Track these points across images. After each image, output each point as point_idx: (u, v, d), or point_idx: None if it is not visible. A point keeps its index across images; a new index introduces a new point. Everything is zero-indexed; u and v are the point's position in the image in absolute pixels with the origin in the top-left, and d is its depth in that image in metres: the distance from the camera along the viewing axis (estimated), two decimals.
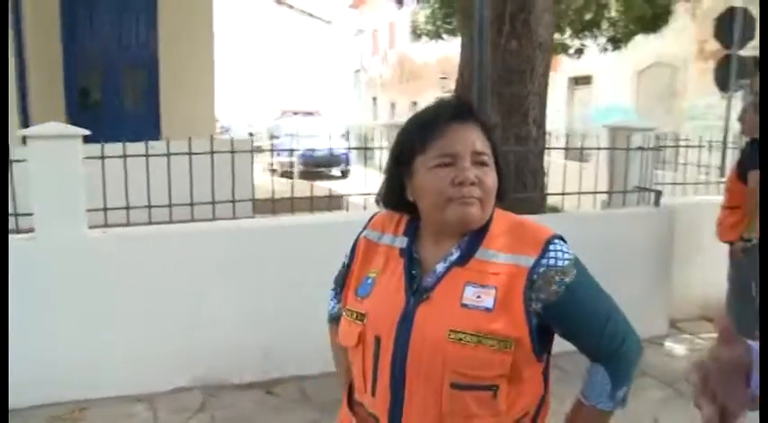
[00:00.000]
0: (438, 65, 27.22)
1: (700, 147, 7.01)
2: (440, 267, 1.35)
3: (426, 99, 30.45)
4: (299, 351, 3.92)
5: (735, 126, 5.09)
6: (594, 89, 17.65)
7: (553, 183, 5.30)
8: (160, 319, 3.85)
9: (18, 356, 2.95)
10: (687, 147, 7.32)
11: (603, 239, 4.52)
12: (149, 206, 4.06)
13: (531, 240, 1.35)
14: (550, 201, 5.51)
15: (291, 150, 8.27)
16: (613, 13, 10.48)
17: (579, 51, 11.33)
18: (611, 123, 5.24)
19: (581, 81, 17.30)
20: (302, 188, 5.53)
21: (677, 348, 4.82)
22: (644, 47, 12.46)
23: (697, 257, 5.21)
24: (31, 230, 3.67)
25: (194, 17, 9.04)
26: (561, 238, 1.38)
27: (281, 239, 4.14)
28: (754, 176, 3.85)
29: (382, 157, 4.88)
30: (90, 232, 3.78)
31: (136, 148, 4.04)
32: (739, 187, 4.01)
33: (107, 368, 3.78)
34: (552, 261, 1.32)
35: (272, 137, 14.28)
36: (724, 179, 7.12)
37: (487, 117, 3.84)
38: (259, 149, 6.75)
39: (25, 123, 7.00)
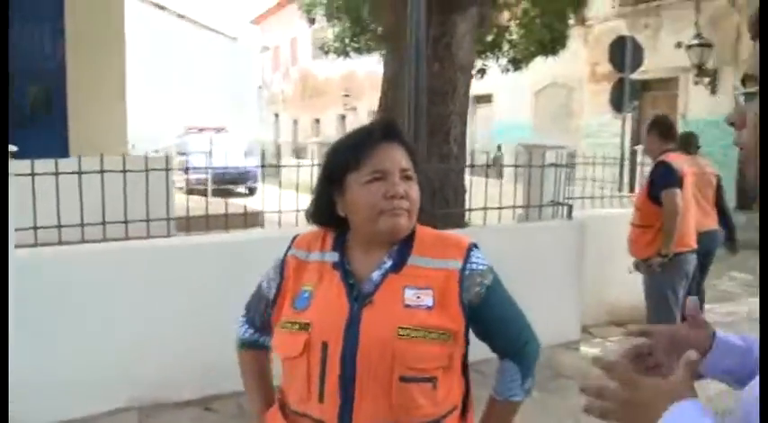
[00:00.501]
0: (341, 82, 27.46)
1: (594, 164, 7.46)
2: (375, 275, 1.47)
3: (329, 116, 30.67)
4: (236, 366, 3.91)
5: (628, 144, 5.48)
6: (495, 107, 18.39)
7: (475, 200, 5.52)
8: (94, 340, 3.76)
9: None
10: (584, 164, 7.79)
11: (521, 251, 4.78)
12: (59, 226, 3.92)
13: (455, 247, 1.52)
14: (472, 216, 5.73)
15: (207, 168, 8.17)
16: (514, 36, 10.98)
17: (482, 71, 11.78)
18: (525, 142, 5.55)
19: (482, 99, 17.96)
20: (217, 206, 5.51)
21: (591, 352, 5.13)
22: (541, 68, 13.10)
23: (605, 266, 5.58)
24: None
25: (104, 26, 8.66)
26: (476, 246, 1.56)
27: (208, 257, 4.12)
28: (668, 196, 4.18)
29: (291, 174, 4.96)
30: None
31: (44, 165, 3.89)
32: (650, 207, 4.33)
33: (40, 393, 3.63)
34: (474, 265, 1.50)
35: (180, 154, 14.01)
36: (623, 194, 7.66)
37: (411, 137, 4.02)
38: (181, 168, 6.65)
39: None
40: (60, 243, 3.97)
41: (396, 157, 1.49)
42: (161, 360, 3.88)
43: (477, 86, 15.50)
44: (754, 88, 0.89)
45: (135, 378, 3.84)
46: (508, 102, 16.96)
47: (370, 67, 23.61)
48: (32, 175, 3.77)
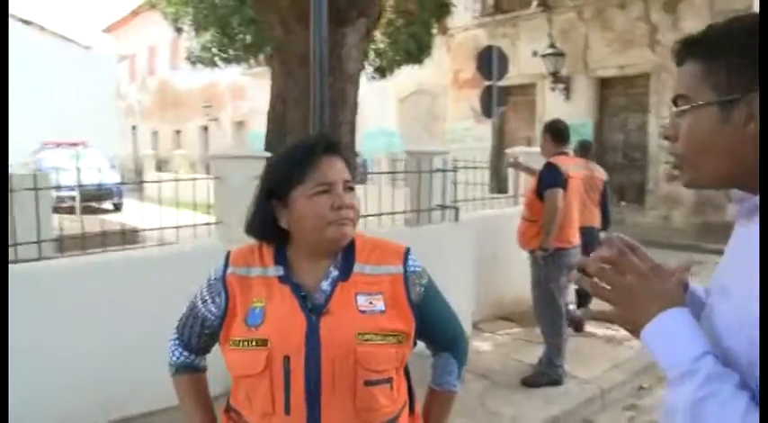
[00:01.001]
0: (202, 92, 26.81)
1: (474, 167, 7.85)
2: (325, 285, 1.52)
3: (191, 127, 29.76)
4: (142, 389, 3.83)
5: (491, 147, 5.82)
6: (361, 115, 18.67)
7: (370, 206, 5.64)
8: None
9: None
10: (465, 168, 8.16)
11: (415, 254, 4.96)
12: None
13: (394, 252, 1.61)
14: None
15: (76, 186, 7.78)
16: (381, 45, 11.27)
17: None
18: (412, 149, 5.76)
19: None
20: (89, 224, 5.29)
21: (483, 346, 5.43)
22: (406, 75, 13.53)
23: (490, 264, 5.92)
24: None
25: None
26: (410, 250, 1.67)
27: (96, 277, 3.97)
28: (550, 194, 4.53)
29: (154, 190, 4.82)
30: None
31: None
32: (536, 204, 4.68)
33: None
34: (412, 268, 1.59)
35: (37, 171, 13.13)
36: (498, 195, 8.09)
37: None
38: (53, 187, 6.32)
39: None
40: None
41: (339, 169, 1.55)
42: (65, 385, 3.71)
43: None
44: (685, 106, 1.08)
45: (46, 403, 3.65)
46: (375, 109, 17.33)
47: (232, 78, 23.32)
48: None
